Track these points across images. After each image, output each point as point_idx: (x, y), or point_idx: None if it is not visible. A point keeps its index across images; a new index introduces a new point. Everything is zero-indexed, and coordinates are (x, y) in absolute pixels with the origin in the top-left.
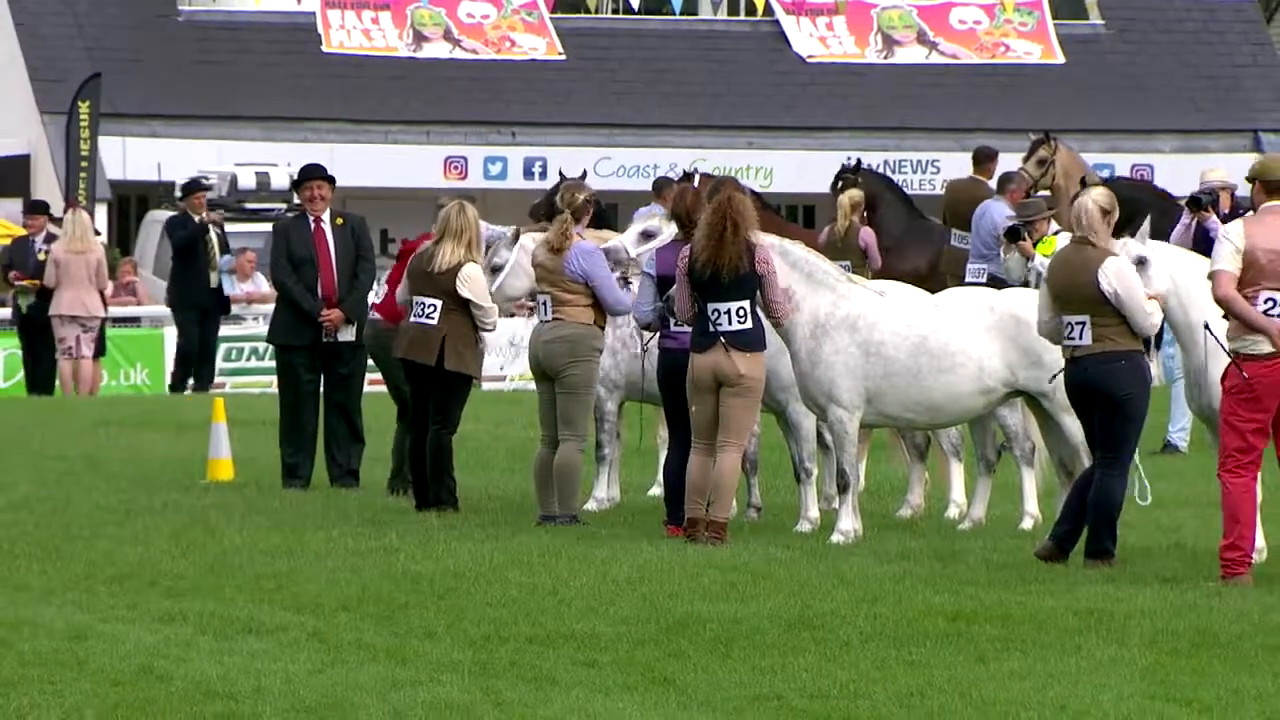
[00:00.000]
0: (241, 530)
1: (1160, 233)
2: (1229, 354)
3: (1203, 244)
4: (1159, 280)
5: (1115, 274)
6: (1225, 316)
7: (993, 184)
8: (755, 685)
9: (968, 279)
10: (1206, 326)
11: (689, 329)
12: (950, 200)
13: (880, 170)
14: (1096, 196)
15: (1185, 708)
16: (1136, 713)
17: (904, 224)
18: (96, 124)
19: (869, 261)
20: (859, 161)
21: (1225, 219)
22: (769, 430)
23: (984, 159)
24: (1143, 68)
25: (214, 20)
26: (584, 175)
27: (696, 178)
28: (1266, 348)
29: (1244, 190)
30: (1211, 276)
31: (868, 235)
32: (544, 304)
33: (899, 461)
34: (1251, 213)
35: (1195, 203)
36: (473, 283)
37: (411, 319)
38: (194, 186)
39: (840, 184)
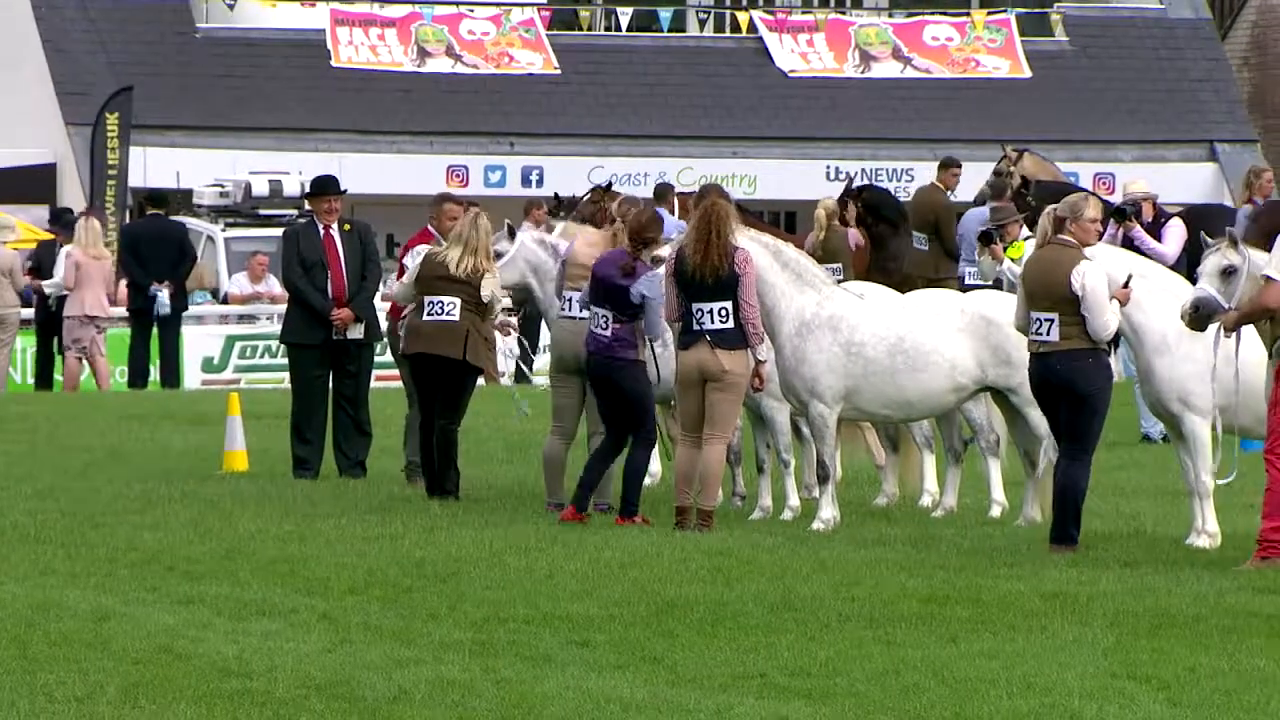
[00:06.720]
0: (255, 518)
1: None
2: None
3: None
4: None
5: (1087, 276)
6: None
7: (953, 191)
8: (740, 664)
9: (965, 281)
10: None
11: (602, 330)
12: (912, 207)
13: (857, 178)
14: (1060, 205)
15: (1145, 685)
16: (1099, 690)
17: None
18: (127, 135)
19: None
20: (851, 181)
21: (1148, 228)
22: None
23: (944, 166)
24: (1104, 82)
25: (230, 36)
26: (609, 186)
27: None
28: None
29: (1163, 200)
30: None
31: (854, 235)
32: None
33: (861, 453)
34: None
35: (1120, 214)
36: (496, 286)
37: (425, 317)
38: None
39: (845, 200)
